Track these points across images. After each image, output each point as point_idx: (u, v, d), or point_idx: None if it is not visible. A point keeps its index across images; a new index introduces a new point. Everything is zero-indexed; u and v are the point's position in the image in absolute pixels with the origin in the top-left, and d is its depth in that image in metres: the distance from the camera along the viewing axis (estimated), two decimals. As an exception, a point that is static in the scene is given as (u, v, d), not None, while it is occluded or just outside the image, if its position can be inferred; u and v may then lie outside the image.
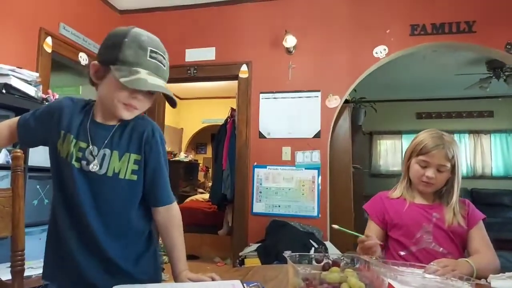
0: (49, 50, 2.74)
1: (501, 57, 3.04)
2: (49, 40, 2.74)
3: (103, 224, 0.97)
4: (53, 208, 1.01)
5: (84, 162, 0.97)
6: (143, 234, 1.06)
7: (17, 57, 2.49)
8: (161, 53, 0.96)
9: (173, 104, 0.98)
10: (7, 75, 2.02)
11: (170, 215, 1.05)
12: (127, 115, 0.98)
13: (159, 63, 0.95)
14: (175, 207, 1.08)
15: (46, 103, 2.27)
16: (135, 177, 1.00)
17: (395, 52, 3.03)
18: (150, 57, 0.93)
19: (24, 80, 2.13)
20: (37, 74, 2.25)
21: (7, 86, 2.00)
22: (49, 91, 2.41)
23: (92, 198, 0.97)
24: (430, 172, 1.33)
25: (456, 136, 6.50)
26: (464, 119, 6.47)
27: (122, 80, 0.90)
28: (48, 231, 1.03)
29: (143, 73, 0.92)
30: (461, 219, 1.34)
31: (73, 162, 0.96)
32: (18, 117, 1.08)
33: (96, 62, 0.96)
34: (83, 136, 0.99)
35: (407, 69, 4.99)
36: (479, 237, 1.33)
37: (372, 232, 1.40)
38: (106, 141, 0.99)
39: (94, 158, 0.97)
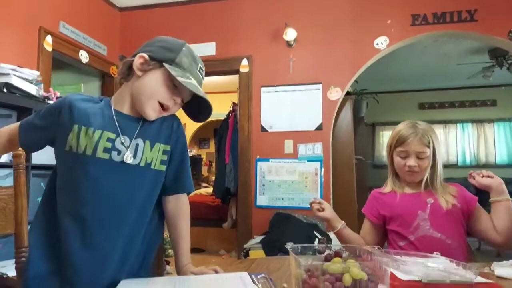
0: (49, 48, 2.74)
1: (503, 45, 3.01)
2: (49, 38, 2.74)
3: (126, 216, 0.93)
4: (51, 206, 0.97)
5: (115, 153, 0.94)
6: (154, 229, 1.05)
7: (18, 56, 2.49)
8: (203, 72, 1.04)
9: (198, 119, 1.06)
10: (8, 74, 2.03)
11: (181, 203, 1.07)
12: (154, 115, 0.99)
13: (202, 80, 1.03)
14: (186, 198, 1.10)
15: (48, 101, 2.28)
16: (163, 168, 1.00)
17: (396, 43, 3.01)
18: (199, 71, 1.01)
19: (25, 79, 2.14)
20: (38, 73, 2.26)
21: (8, 85, 2.01)
22: (51, 89, 2.41)
23: (120, 189, 0.93)
24: (411, 161, 1.37)
25: (459, 126, 6.47)
26: (467, 109, 6.43)
27: (179, 79, 0.93)
28: (38, 230, 0.96)
29: (193, 81, 0.98)
30: (453, 198, 1.37)
31: (99, 154, 0.92)
32: (18, 122, 1.05)
33: (144, 54, 0.96)
34: (110, 127, 0.95)
35: (408, 59, 4.95)
36: (486, 214, 1.37)
37: (366, 230, 1.49)
38: (137, 131, 0.97)
39: (127, 149, 0.95)
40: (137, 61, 0.96)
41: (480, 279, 0.90)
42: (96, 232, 0.91)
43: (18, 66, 2.12)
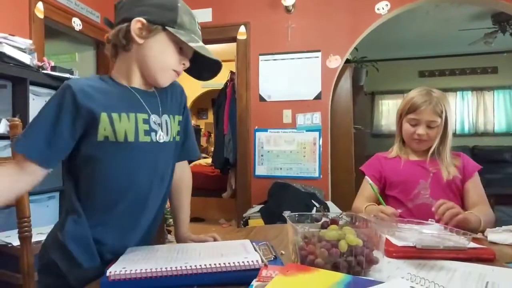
0: (41, 16, 2.66)
1: (508, 9, 2.93)
2: (40, 5, 2.65)
3: (152, 189, 0.92)
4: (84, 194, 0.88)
5: (153, 134, 0.90)
6: (166, 192, 1.03)
7: (8, 24, 2.42)
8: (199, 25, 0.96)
9: (202, 77, 1.00)
10: (0, 43, 1.97)
11: (185, 175, 1.08)
12: (167, 82, 0.95)
13: (200, 34, 0.95)
14: (189, 169, 1.11)
15: (43, 71, 2.24)
16: (178, 138, 1.00)
17: (397, 8, 2.93)
18: (198, 27, 0.94)
19: (18, 48, 2.08)
20: (31, 41, 2.20)
21: (1, 55, 1.96)
22: (44, 58, 2.36)
23: (154, 168, 0.91)
24: (420, 130, 1.35)
25: (459, 94, 6.43)
26: (467, 76, 6.36)
27: (191, 44, 0.87)
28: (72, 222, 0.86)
29: (201, 42, 0.91)
30: (456, 170, 1.36)
31: (142, 138, 0.87)
32: (12, 162, 0.83)
33: (141, 18, 0.86)
34: (138, 107, 0.89)
35: (410, 25, 4.84)
36: (475, 191, 1.35)
37: (368, 191, 1.42)
38: (160, 107, 0.93)
39: (159, 127, 0.92)
40: (134, 27, 0.86)
41: (473, 245, 0.92)
42: (125, 211, 0.89)
43: (10, 35, 2.06)
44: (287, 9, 3.11)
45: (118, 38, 0.89)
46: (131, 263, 0.75)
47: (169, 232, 3.55)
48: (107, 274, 0.70)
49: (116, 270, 0.71)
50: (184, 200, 1.10)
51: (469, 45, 5.27)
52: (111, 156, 0.86)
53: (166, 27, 0.87)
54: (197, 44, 0.90)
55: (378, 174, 1.45)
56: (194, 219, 4.25)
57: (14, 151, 0.81)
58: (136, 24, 0.86)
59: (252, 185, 3.21)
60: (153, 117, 0.91)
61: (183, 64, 0.94)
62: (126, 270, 0.70)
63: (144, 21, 0.86)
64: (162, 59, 0.90)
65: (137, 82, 0.92)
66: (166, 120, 0.94)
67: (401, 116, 1.42)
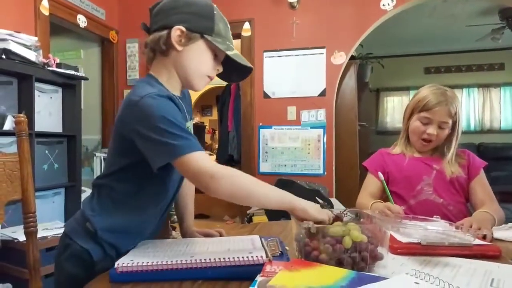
0: (46, 13, 2.67)
1: (515, 5, 2.90)
2: (45, 2, 2.66)
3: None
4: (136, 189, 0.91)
5: None
6: None
7: (14, 21, 2.43)
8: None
9: (230, 79, 1.03)
10: (5, 39, 1.99)
11: None
12: (202, 87, 0.97)
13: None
14: None
15: (48, 68, 2.25)
16: None
17: (403, 4, 2.91)
18: (230, 34, 0.96)
19: (23, 45, 2.10)
20: (36, 38, 2.21)
21: (7, 51, 1.97)
22: (50, 55, 2.38)
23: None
24: (431, 129, 1.32)
25: (465, 91, 6.37)
26: (474, 73, 6.29)
27: (229, 53, 0.90)
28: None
29: (235, 50, 0.94)
30: (460, 170, 1.34)
31: None
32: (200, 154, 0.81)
33: (180, 26, 0.88)
34: (184, 116, 0.95)
35: (416, 21, 4.80)
36: (482, 189, 1.34)
37: (371, 187, 1.40)
38: (187, 113, 0.98)
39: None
40: (174, 34, 0.88)
41: (478, 242, 0.91)
42: (157, 210, 0.96)
43: (15, 32, 2.08)
44: (291, 5, 3.10)
45: (158, 44, 0.90)
46: (139, 256, 0.77)
47: (174, 228, 3.57)
48: (116, 266, 0.73)
49: (124, 262, 0.73)
50: (189, 194, 1.13)
51: (476, 41, 5.22)
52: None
53: (205, 36, 0.90)
54: (233, 52, 0.93)
55: (381, 170, 1.43)
56: (198, 216, 4.27)
57: (178, 155, 0.77)
58: (176, 32, 0.89)
59: (256, 182, 3.21)
60: (189, 123, 0.96)
61: (217, 69, 0.97)
62: (133, 263, 0.73)
63: (184, 29, 0.89)
64: (200, 66, 0.93)
65: (176, 86, 0.95)
66: (188, 126, 0.97)
67: (412, 113, 1.39)
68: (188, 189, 1.13)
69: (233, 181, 0.80)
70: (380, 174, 1.24)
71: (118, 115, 0.88)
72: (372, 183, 1.42)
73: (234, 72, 1.00)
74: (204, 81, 0.96)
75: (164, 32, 0.89)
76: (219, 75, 1.01)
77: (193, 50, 0.90)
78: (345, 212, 0.90)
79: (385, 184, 1.24)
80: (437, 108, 1.30)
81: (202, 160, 0.78)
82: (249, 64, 0.95)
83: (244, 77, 1.02)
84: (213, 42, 0.89)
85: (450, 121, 1.31)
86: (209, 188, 0.78)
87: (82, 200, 1.12)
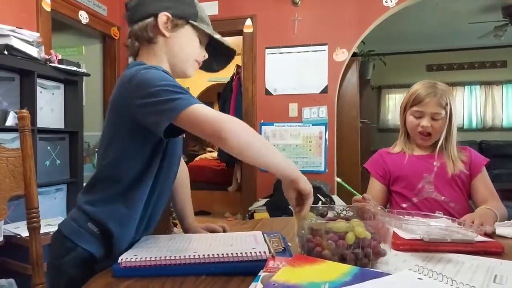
0: (48, 8, 2.67)
1: (518, 2, 2.88)
2: (47, -2, 2.65)
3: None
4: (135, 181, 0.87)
5: None
6: None
7: (16, 17, 2.43)
8: None
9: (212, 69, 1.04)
10: (7, 35, 1.98)
11: (182, 168, 1.09)
12: (193, 73, 0.98)
13: None
14: (183, 162, 1.11)
15: (50, 64, 2.25)
16: None
17: (406, 0, 2.89)
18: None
19: (25, 41, 2.09)
20: (38, 34, 2.21)
21: (8, 47, 1.97)
22: (52, 51, 2.37)
23: (178, 163, 0.99)
24: (424, 122, 1.33)
25: (467, 88, 6.36)
26: (476, 70, 6.27)
27: (216, 36, 0.93)
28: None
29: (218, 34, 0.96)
30: (462, 165, 1.34)
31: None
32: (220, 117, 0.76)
33: (166, 13, 0.89)
34: None
35: (418, 18, 4.78)
36: (484, 186, 1.34)
37: (375, 190, 1.42)
38: None
39: None
40: (161, 21, 0.89)
41: (481, 238, 0.91)
42: (156, 202, 0.94)
43: (17, 27, 2.07)
44: (293, 2, 3.09)
45: (146, 31, 0.90)
46: (142, 251, 0.78)
47: (175, 225, 3.58)
48: (119, 261, 0.73)
49: (127, 257, 0.74)
50: (187, 192, 1.13)
51: (479, 39, 5.19)
52: (172, 151, 0.91)
53: (191, 21, 0.92)
54: (218, 36, 0.96)
55: (382, 171, 1.44)
56: (200, 213, 4.27)
57: (183, 108, 0.74)
58: (162, 18, 0.90)
59: (257, 178, 3.21)
60: None
61: (204, 55, 0.99)
62: (137, 258, 0.73)
63: (170, 15, 0.90)
64: (189, 51, 0.95)
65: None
66: None
67: (405, 109, 1.41)
68: (183, 186, 1.12)
69: (246, 127, 0.78)
70: (336, 178, 1.22)
71: (113, 98, 0.86)
72: (374, 187, 1.45)
73: (214, 61, 1.03)
74: (194, 67, 0.97)
75: (151, 19, 0.90)
76: (201, 66, 1.02)
77: (181, 36, 0.92)
78: (346, 209, 0.90)
79: (344, 183, 1.17)
80: (427, 100, 1.32)
81: (209, 109, 0.76)
82: (233, 47, 0.99)
83: (224, 65, 1.04)
84: (200, 27, 0.92)
85: (443, 112, 1.32)
86: (222, 131, 0.72)
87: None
